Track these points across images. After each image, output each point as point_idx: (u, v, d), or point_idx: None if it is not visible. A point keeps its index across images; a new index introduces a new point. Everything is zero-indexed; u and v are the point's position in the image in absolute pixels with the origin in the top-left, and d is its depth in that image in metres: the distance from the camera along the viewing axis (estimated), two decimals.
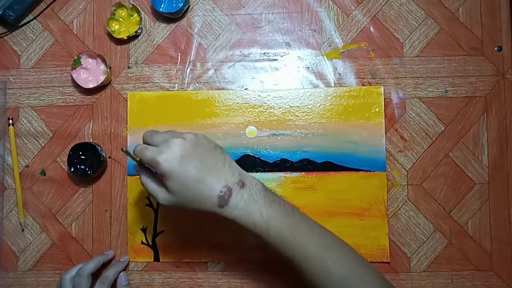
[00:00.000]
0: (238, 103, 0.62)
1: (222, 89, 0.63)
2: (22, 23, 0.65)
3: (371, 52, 0.62)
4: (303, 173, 0.61)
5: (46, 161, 0.63)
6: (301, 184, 0.60)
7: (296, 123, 0.61)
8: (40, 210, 0.63)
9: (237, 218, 0.46)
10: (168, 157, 0.45)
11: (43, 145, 0.64)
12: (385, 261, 0.59)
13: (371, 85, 0.61)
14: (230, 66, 0.63)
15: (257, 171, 0.61)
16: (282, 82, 0.63)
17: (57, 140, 0.63)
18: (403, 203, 0.60)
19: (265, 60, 0.63)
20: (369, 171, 0.60)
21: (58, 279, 0.62)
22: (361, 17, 0.63)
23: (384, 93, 0.61)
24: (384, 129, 0.60)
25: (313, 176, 0.60)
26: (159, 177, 0.46)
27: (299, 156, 0.61)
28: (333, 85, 0.62)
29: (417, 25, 0.62)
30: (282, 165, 0.61)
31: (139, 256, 0.61)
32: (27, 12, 0.65)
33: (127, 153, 0.49)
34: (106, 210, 0.62)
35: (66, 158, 0.61)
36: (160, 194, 0.47)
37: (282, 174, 0.61)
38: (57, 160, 0.63)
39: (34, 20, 0.65)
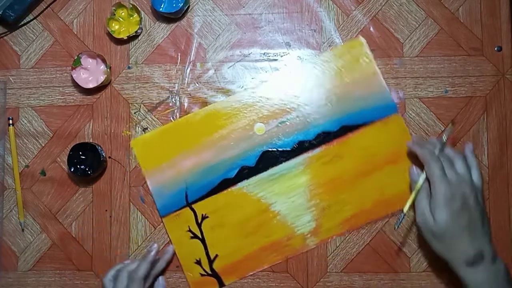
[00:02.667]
0: (236, 107, 0.62)
1: (220, 93, 0.62)
2: (22, 23, 0.65)
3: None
4: (323, 146, 0.61)
5: (46, 161, 0.63)
6: (326, 158, 0.60)
7: (297, 103, 0.61)
8: (40, 210, 0.63)
9: (471, 282, 0.50)
10: (449, 200, 0.50)
11: (43, 145, 0.64)
12: None
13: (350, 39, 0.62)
14: (230, 66, 0.63)
15: (280, 163, 0.61)
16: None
17: (57, 140, 0.63)
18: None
19: (265, 60, 0.63)
20: (383, 117, 0.60)
21: (58, 279, 0.62)
22: (361, 17, 0.63)
23: (354, 31, 0.62)
24: (380, 74, 0.61)
25: (334, 145, 0.60)
26: (432, 198, 0.51)
27: (313, 132, 0.61)
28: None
29: (417, 25, 0.62)
30: (301, 147, 0.61)
31: None
32: (27, 12, 0.65)
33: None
34: (106, 210, 0.62)
35: (66, 158, 0.61)
36: (425, 217, 0.52)
37: (305, 155, 0.61)
38: (57, 160, 0.63)
39: (34, 20, 0.65)
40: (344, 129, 0.61)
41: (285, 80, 0.62)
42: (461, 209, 0.51)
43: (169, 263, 0.60)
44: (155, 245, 0.60)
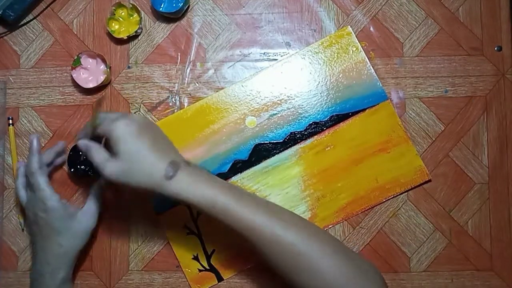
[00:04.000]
0: (227, 102, 0.62)
1: (215, 91, 0.63)
2: (22, 23, 0.65)
3: (371, 52, 0.62)
4: (315, 136, 0.61)
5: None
6: (318, 148, 0.61)
7: (288, 94, 0.62)
8: None
9: (184, 190, 0.47)
10: (128, 122, 0.47)
11: (43, 145, 0.64)
12: (427, 179, 0.60)
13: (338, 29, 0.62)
14: (230, 66, 0.63)
15: (273, 155, 0.61)
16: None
17: (57, 140, 0.63)
18: (403, 203, 0.60)
19: (265, 60, 0.63)
20: (373, 105, 0.61)
21: None
22: (361, 17, 0.63)
23: (354, 31, 0.62)
24: (368, 62, 0.61)
25: (326, 135, 0.61)
26: (112, 145, 0.47)
27: (304, 123, 0.61)
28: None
29: (417, 25, 0.62)
30: (293, 139, 0.61)
31: (203, 284, 0.60)
32: (27, 12, 0.65)
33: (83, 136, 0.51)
34: (106, 210, 0.62)
35: (66, 158, 0.61)
36: (108, 163, 0.47)
37: (297, 146, 0.61)
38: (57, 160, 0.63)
39: (34, 20, 0.65)
40: (335, 119, 0.61)
41: (275, 72, 0.62)
42: (140, 133, 0.47)
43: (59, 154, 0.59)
44: (34, 135, 0.58)
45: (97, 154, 0.48)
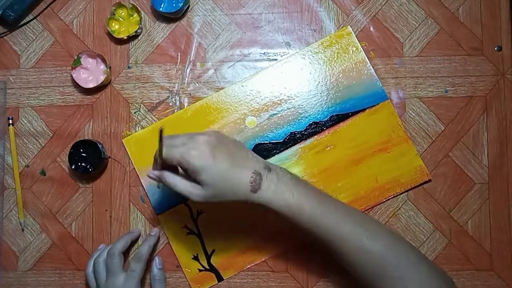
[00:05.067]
0: (227, 102, 0.62)
1: (215, 91, 0.63)
2: (22, 23, 0.65)
3: (371, 52, 0.62)
4: (315, 136, 0.61)
5: (46, 161, 0.63)
6: (318, 148, 0.61)
7: (288, 94, 0.62)
8: (40, 210, 0.63)
9: (271, 201, 0.47)
10: (199, 152, 0.46)
11: (43, 145, 0.64)
12: (427, 179, 0.60)
13: (338, 29, 0.62)
14: (230, 66, 0.63)
15: (273, 155, 0.61)
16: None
17: (57, 140, 0.63)
18: (403, 203, 0.60)
19: (265, 60, 0.63)
20: (373, 105, 0.61)
21: (58, 278, 0.62)
22: (361, 17, 0.63)
23: (354, 30, 0.62)
24: (368, 62, 0.61)
25: (326, 135, 0.61)
26: (191, 174, 0.47)
27: (304, 123, 0.61)
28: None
29: (417, 25, 0.62)
30: (293, 139, 0.61)
31: (203, 284, 0.60)
32: (27, 12, 0.65)
33: (160, 148, 0.48)
34: (106, 210, 0.62)
35: (66, 158, 0.61)
36: (193, 190, 0.47)
37: (297, 146, 0.61)
38: (57, 160, 0.63)
39: (34, 20, 0.65)
40: (335, 119, 0.61)
41: (275, 72, 0.62)
42: (216, 155, 0.46)
43: (151, 247, 0.58)
44: (137, 229, 0.61)
45: (178, 182, 0.48)
